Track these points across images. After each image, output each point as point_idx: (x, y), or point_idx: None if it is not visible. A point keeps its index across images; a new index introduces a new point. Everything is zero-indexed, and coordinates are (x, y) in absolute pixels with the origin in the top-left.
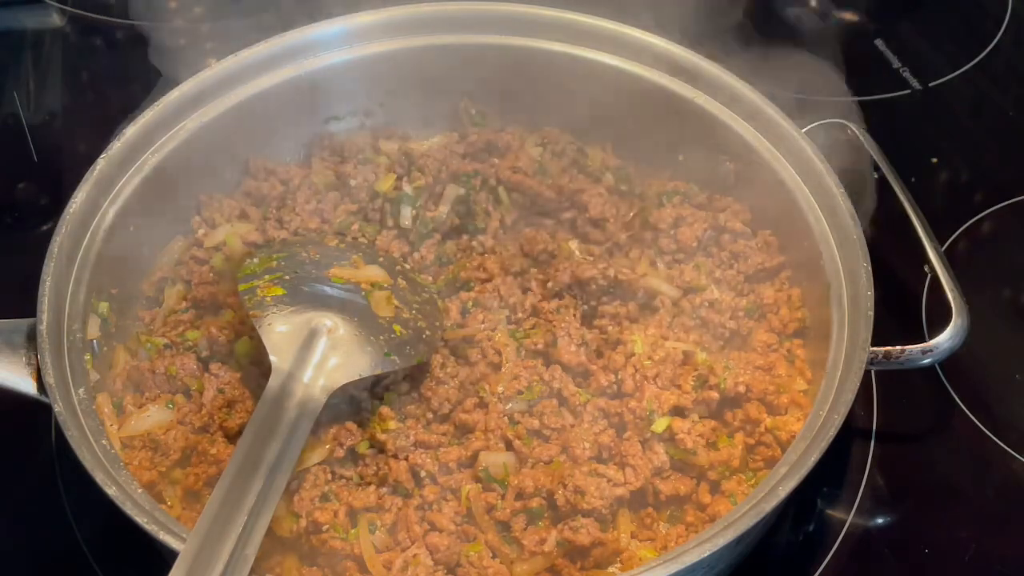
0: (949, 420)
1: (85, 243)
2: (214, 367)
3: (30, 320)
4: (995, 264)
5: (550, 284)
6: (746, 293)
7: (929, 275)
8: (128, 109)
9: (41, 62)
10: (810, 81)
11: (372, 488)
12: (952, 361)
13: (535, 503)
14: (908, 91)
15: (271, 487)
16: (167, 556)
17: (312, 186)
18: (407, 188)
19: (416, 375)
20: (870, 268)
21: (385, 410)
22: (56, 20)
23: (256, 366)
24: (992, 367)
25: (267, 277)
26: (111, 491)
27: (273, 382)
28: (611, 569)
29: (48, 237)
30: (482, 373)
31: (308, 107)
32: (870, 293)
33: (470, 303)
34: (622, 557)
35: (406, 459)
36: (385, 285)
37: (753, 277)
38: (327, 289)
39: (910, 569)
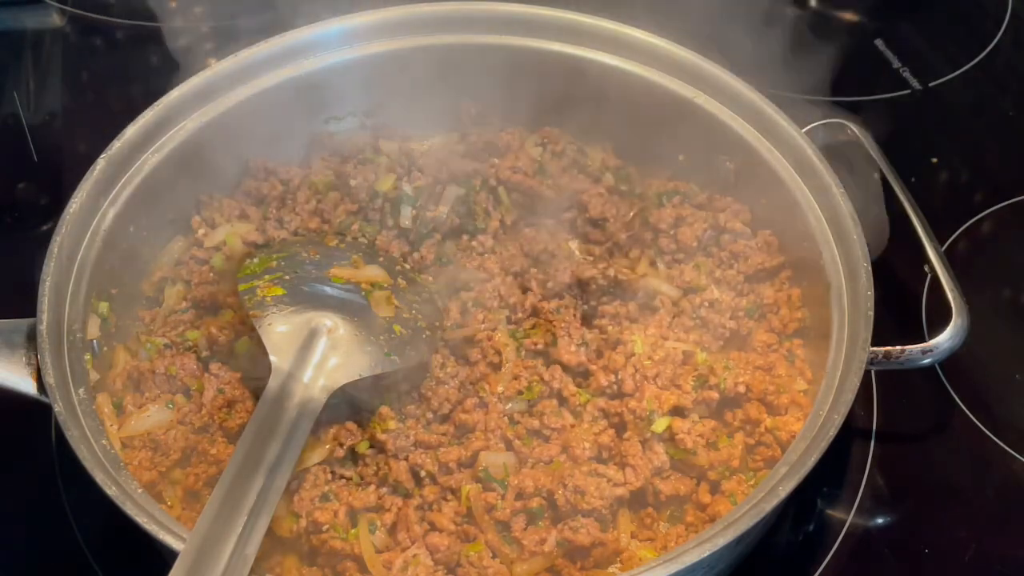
0: (949, 420)
1: (85, 243)
2: (214, 367)
3: (30, 320)
4: (995, 264)
5: (550, 284)
6: (746, 293)
7: (929, 275)
8: (128, 109)
9: (41, 62)
10: (810, 81)
11: (372, 488)
12: (952, 361)
13: (535, 503)
14: (908, 91)
15: (271, 487)
16: (167, 556)
17: (312, 186)
18: (407, 188)
19: (416, 375)
20: (870, 268)
21: (385, 410)
22: (56, 20)
23: (256, 366)
24: (992, 367)
25: (267, 277)
26: (111, 491)
27: (273, 382)
28: (611, 569)
29: (48, 237)
30: (482, 373)
31: (308, 107)
32: (870, 293)
33: (470, 303)
34: (622, 557)
35: (406, 459)
36: (385, 285)
37: (753, 277)
38: (327, 289)
39: (910, 569)
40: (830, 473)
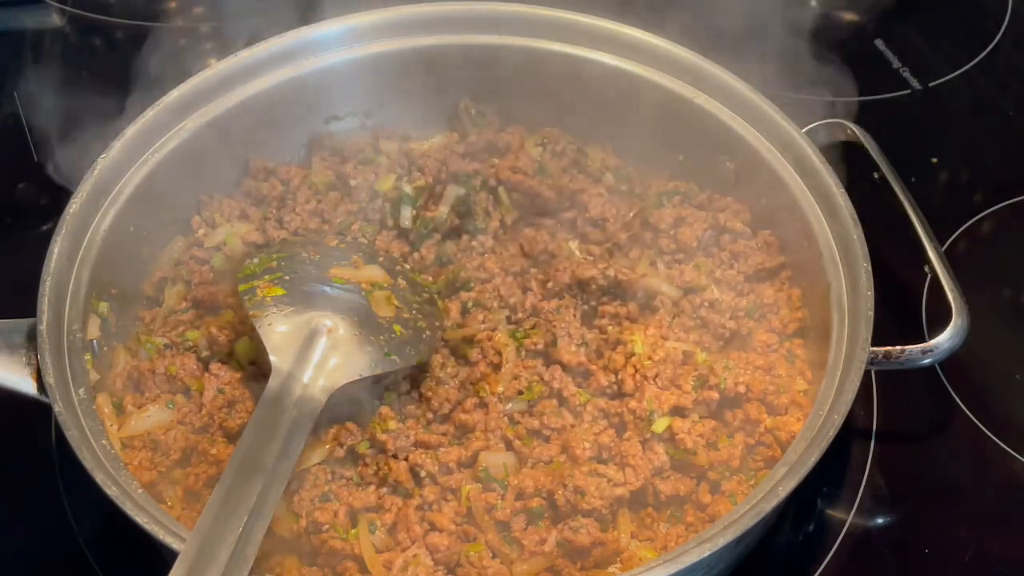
0: (949, 420)
1: (85, 243)
2: (214, 367)
3: (30, 320)
4: (995, 264)
5: (550, 284)
6: (746, 293)
7: (929, 275)
8: (128, 109)
9: (41, 62)
10: (810, 81)
11: (372, 488)
12: (952, 361)
13: (535, 503)
14: (908, 91)
15: (271, 487)
16: (167, 556)
17: (312, 186)
18: (407, 188)
19: (416, 375)
20: (870, 268)
21: (385, 410)
22: (56, 20)
23: (256, 366)
24: (992, 367)
25: (267, 277)
26: (111, 491)
27: (273, 382)
28: (611, 569)
29: (48, 237)
30: (482, 373)
31: (308, 107)
32: (870, 293)
33: (470, 303)
34: (622, 557)
35: (406, 459)
36: (385, 285)
37: (753, 277)
38: (327, 289)
39: (910, 569)
40: (830, 473)
